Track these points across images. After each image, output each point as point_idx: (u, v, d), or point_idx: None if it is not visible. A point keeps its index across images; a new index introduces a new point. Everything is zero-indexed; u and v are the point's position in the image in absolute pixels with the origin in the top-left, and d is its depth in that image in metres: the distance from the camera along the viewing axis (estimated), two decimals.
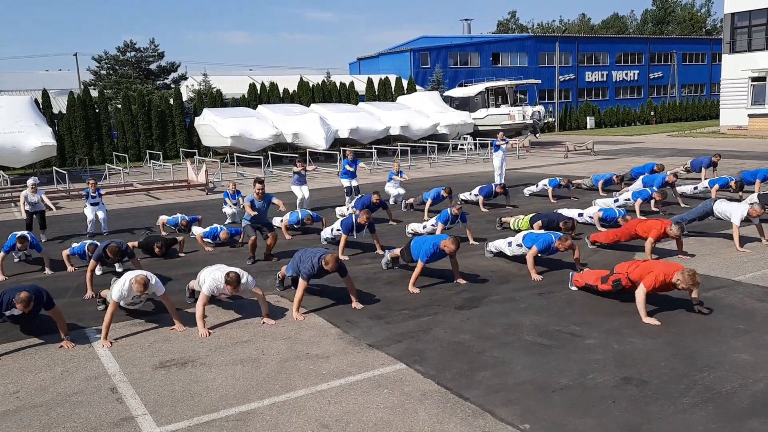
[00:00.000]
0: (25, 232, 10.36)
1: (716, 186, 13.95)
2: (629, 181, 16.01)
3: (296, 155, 25.70)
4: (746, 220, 9.96)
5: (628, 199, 13.08)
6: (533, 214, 11.50)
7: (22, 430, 5.07)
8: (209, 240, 11.70)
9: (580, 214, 12.21)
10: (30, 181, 12.96)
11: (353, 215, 10.53)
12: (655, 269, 7.04)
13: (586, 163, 24.51)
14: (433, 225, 11.20)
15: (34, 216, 12.76)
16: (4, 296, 6.69)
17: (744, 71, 37.52)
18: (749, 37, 37.95)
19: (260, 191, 10.42)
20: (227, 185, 14.37)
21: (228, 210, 13.80)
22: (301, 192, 14.79)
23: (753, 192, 14.25)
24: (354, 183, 15.44)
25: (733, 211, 10.00)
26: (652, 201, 13.04)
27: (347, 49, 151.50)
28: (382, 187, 16.45)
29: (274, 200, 10.59)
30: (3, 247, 10.00)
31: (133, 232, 13.18)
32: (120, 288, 7.07)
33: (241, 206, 13.80)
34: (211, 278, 7.30)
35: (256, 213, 10.27)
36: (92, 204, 12.87)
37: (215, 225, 12.05)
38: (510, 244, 9.56)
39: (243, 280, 7.22)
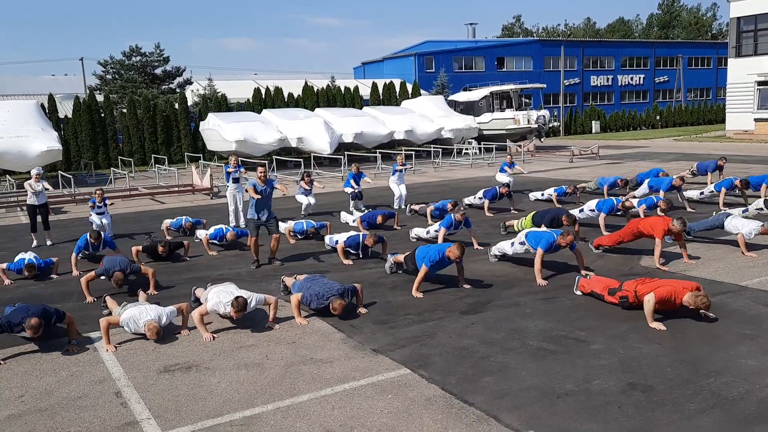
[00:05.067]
0: (33, 259, 10.17)
1: (723, 190, 13.86)
2: (635, 187, 15.95)
3: (300, 159, 25.74)
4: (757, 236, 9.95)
5: (633, 207, 13.03)
6: (535, 212, 11.52)
7: None
8: (215, 242, 11.70)
9: (581, 210, 12.26)
10: (34, 171, 13.00)
11: (361, 235, 10.48)
12: (665, 286, 7.00)
13: (592, 167, 24.46)
14: (436, 231, 11.16)
15: (38, 214, 12.73)
16: (14, 315, 6.70)
17: (750, 75, 37.42)
18: (755, 41, 37.87)
19: (263, 174, 10.31)
20: (229, 160, 14.28)
21: (231, 201, 13.74)
22: (306, 200, 14.86)
23: (759, 197, 14.17)
24: (357, 188, 15.46)
25: (744, 225, 9.96)
26: (658, 209, 12.96)
27: (352, 53, 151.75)
28: (386, 192, 16.45)
29: (277, 185, 10.50)
30: (8, 264, 10.06)
31: (133, 237, 13.17)
32: (131, 319, 7.02)
33: (244, 175, 13.83)
34: (218, 299, 7.28)
35: (259, 196, 10.10)
36: (98, 214, 12.92)
37: (221, 226, 12.05)
38: (512, 244, 9.58)
39: (251, 305, 7.23)
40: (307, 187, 14.89)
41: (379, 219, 12.49)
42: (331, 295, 7.47)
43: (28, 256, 10.33)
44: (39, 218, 12.77)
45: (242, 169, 14.00)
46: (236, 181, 13.72)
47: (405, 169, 15.90)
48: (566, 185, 15.79)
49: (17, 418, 5.36)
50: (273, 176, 23.48)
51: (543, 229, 9.79)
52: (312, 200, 14.88)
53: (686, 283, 7.18)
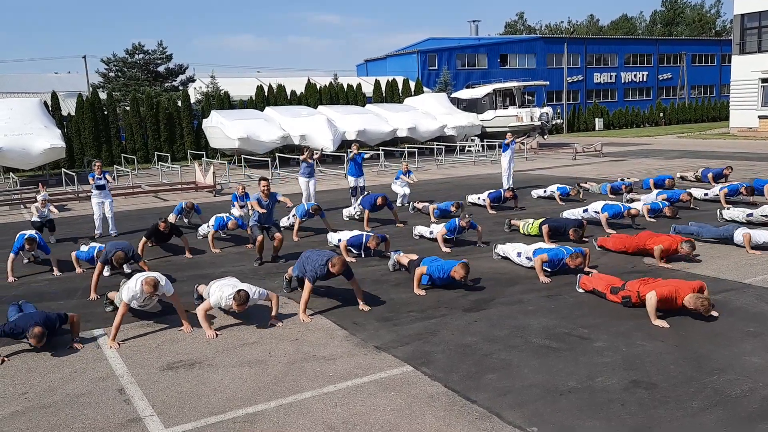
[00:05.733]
0: (33, 233, 10.45)
1: (725, 190, 13.79)
2: (641, 191, 15.87)
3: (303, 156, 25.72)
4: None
5: (638, 215, 12.91)
6: (542, 219, 11.43)
7: (31, 431, 5.09)
8: (219, 231, 11.74)
9: (585, 210, 12.20)
10: (40, 197, 13.05)
11: (365, 235, 10.47)
12: (668, 285, 6.99)
13: (595, 164, 24.42)
14: (438, 232, 11.07)
15: (44, 224, 12.81)
16: (18, 322, 6.72)
17: (754, 72, 37.30)
18: (759, 38, 37.74)
19: (266, 189, 10.37)
20: (236, 188, 14.43)
21: (236, 213, 13.85)
22: (308, 187, 14.81)
23: (764, 199, 14.09)
24: (360, 183, 15.45)
25: (757, 234, 9.89)
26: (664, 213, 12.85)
27: (354, 51, 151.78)
28: (389, 188, 16.45)
29: (280, 197, 10.55)
30: (12, 248, 10.09)
31: (136, 234, 13.19)
32: (130, 289, 7.11)
33: (249, 209, 13.88)
34: (220, 293, 7.30)
35: (264, 210, 10.20)
36: (98, 187, 12.83)
37: (221, 215, 12.07)
38: (519, 254, 9.49)
39: (253, 297, 7.25)
40: (307, 160, 14.81)
41: (379, 200, 12.45)
42: (330, 256, 7.52)
43: (29, 232, 10.43)
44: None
45: (249, 200, 13.99)
46: (243, 206, 13.81)
47: (409, 174, 15.83)
48: (570, 186, 15.69)
49: (21, 415, 5.38)
50: (277, 173, 23.50)
51: (552, 245, 9.64)
52: (312, 188, 14.85)
53: (690, 283, 7.15)
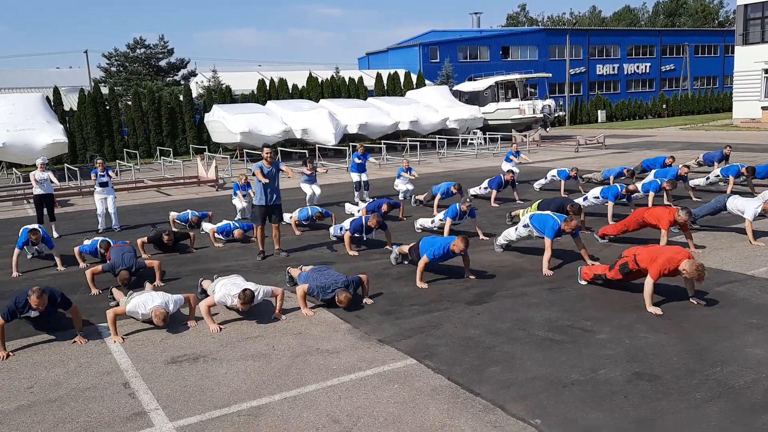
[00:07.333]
0: (36, 225, 10.50)
1: (731, 178, 13.83)
2: (641, 174, 15.92)
3: (305, 151, 25.73)
4: (761, 215, 9.89)
5: (638, 192, 13.01)
6: (540, 200, 11.54)
7: (37, 425, 5.12)
8: (221, 236, 11.71)
9: (585, 198, 12.28)
10: (39, 161, 13.04)
11: (363, 217, 10.51)
12: (661, 256, 7.01)
13: (598, 156, 24.37)
14: (441, 220, 11.19)
15: (44, 204, 12.72)
16: (19, 298, 6.76)
17: (757, 63, 37.15)
18: (762, 29, 37.56)
19: (269, 155, 10.21)
20: (238, 178, 14.42)
21: (238, 203, 13.83)
22: (311, 189, 14.84)
23: (765, 187, 14.09)
24: (363, 177, 15.45)
25: (747, 207, 9.92)
26: (663, 193, 12.96)
27: (356, 44, 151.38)
28: (391, 183, 16.45)
29: (283, 166, 10.39)
30: (17, 243, 10.13)
31: (139, 228, 13.22)
32: (137, 306, 7.08)
33: (252, 198, 13.88)
34: (225, 291, 7.32)
35: (267, 180, 9.99)
36: (101, 185, 12.87)
37: (228, 222, 12.05)
38: (516, 228, 9.61)
39: (258, 297, 7.27)
40: (309, 173, 14.83)
41: (385, 207, 12.46)
42: (337, 287, 7.50)
43: (32, 225, 10.53)
44: (45, 210, 12.81)
45: (251, 189, 13.99)
46: (245, 195, 13.80)
47: (410, 171, 15.84)
48: (568, 168, 15.74)
49: (27, 409, 5.41)
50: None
51: (546, 213, 9.73)
52: (317, 190, 14.86)
53: (682, 250, 7.16)
